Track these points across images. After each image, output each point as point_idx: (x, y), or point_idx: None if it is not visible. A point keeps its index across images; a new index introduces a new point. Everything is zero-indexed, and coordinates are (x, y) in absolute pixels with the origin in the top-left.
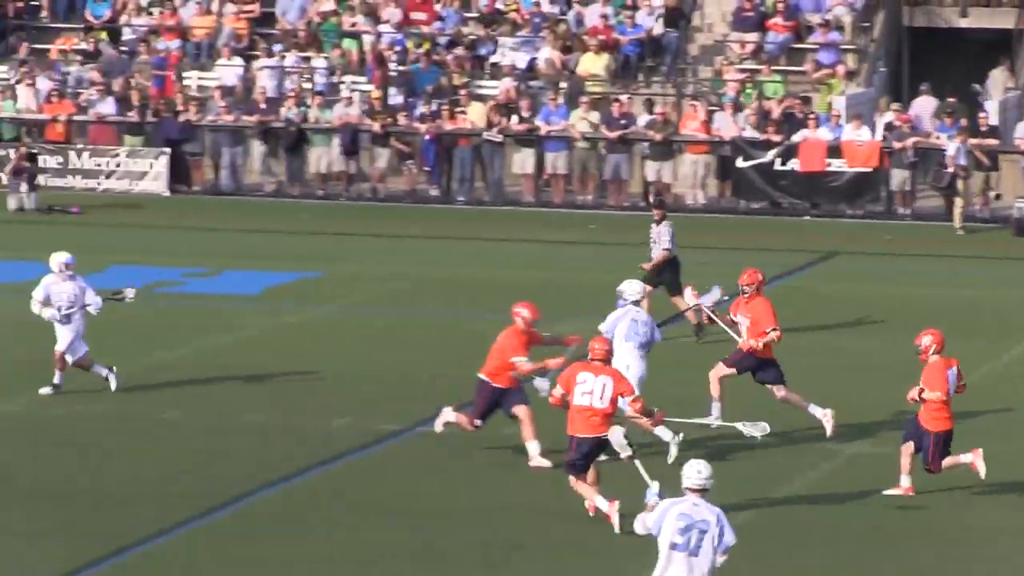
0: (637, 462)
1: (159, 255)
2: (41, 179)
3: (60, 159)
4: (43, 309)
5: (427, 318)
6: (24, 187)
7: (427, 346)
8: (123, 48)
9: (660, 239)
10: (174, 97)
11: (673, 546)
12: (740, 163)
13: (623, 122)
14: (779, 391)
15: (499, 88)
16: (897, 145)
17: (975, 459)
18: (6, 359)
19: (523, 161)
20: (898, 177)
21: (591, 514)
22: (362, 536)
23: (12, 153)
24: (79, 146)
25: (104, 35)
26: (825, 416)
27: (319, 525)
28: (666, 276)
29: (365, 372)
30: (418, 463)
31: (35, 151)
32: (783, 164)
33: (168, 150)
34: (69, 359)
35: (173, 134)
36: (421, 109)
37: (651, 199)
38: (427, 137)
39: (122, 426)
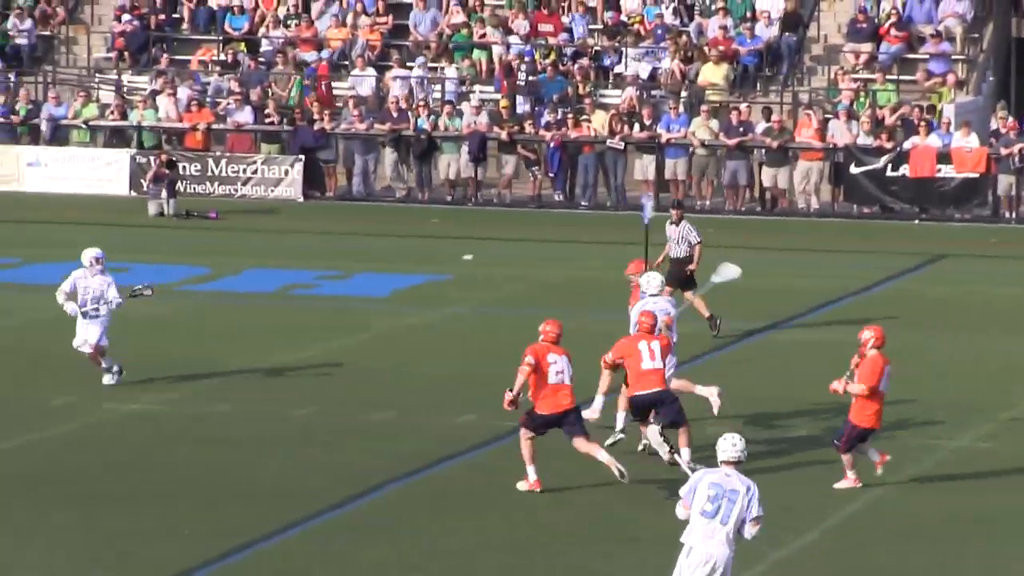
0: (677, 456)
1: (294, 258)
2: (180, 185)
3: (199, 166)
4: (66, 303)
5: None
6: (164, 193)
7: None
8: (260, 59)
9: (687, 236)
10: (310, 106)
11: (702, 512)
12: (854, 169)
13: (741, 130)
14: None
15: (622, 97)
16: (1003, 151)
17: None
18: (145, 358)
19: (644, 167)
20: (1004, 182)
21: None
22: (487, 529)
23: (153, 160)
24: (217, 154)
25: (242, 47)
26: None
27: (446, 520)
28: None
29: (490, 371)
30: (539, 457)
31: (175, 158)
32: (894, 170)
33: (303, 157)
34: (102, 344)
35: (308, 142)
36: (547, 117)
37: (672, 201)
38: (552, 144)
39: (253, 424)
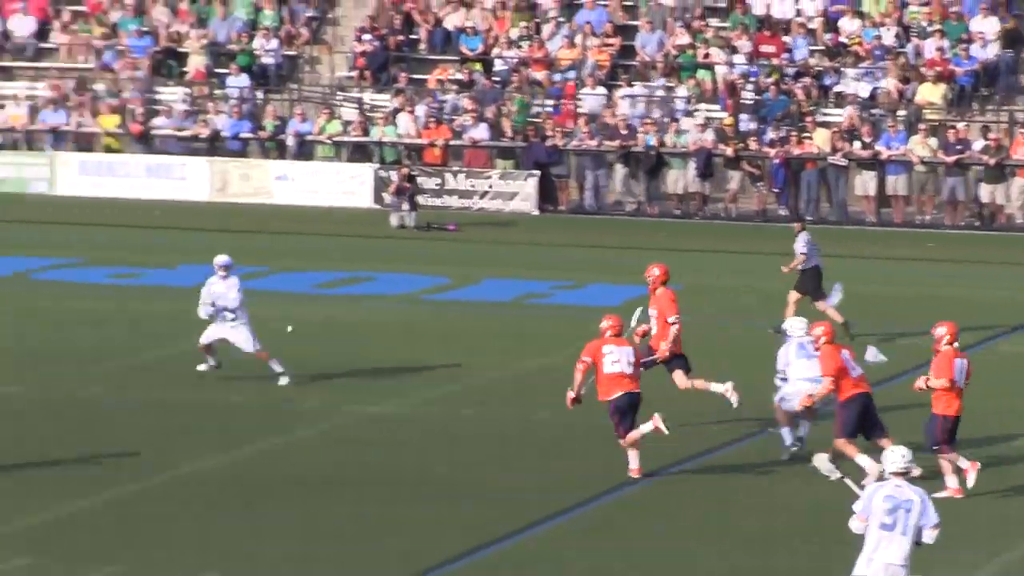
0: (847, 480)
1: (529, 269)
2: (420, 199)
3: (438, 180)
4: (202, 307)
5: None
6: (405, 206)
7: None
8: (495, 78)
9: (798, 247)
10: (543, 123)
11: (882, 526)
12: None
13: (959, 147)
14: (682, 380)
15: (843, 115)
16: None
17: (970, 468)
18: (389, 363)
19: (865, 183)
20: None
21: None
22: (714, 530)
23: (394, 175)
24: (455, 168)
25: (477, 66)
26: (727, 390)
27: (677, 521)
28: (809, 283)
29: (717, 377)
30: (767, 462)
31: (415, 173)
32: None
33: (537, 172)
34: (254, 349)
35: (541, 158)
36: (770, 135)
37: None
38: (776, 161)
39: (496, 426)
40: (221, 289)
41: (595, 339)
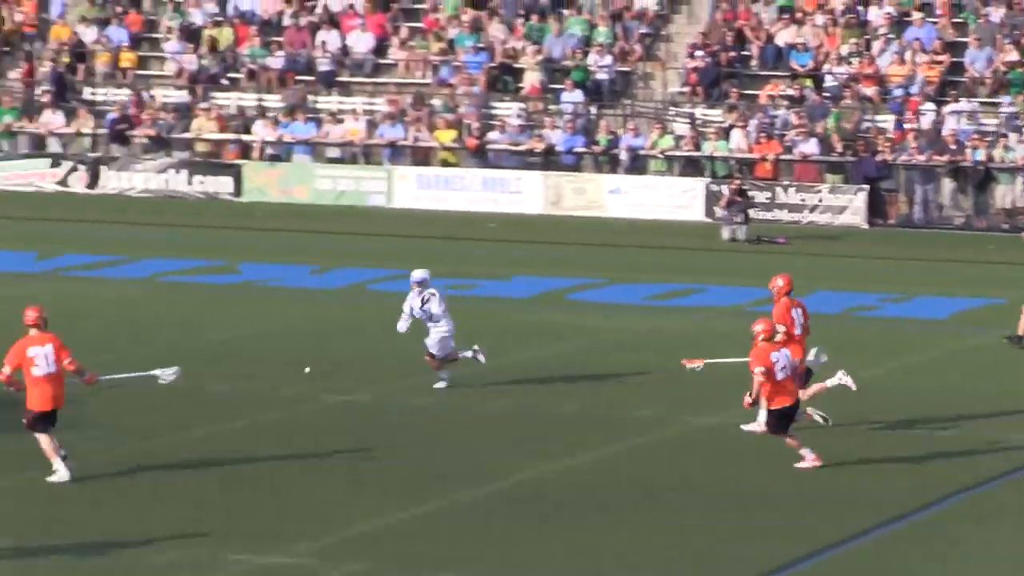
0: None
1: (857, 282)
2: (751, 212)
3: (768, 194)
4: (401, 321)
5: None
6: (737, 219)
7: None
8: (825, 94)
9: None
10: (874, 138)
11: None
12: None
13: None
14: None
15: None
16: None
17: None
18: (716, 374)
19: None
20: None
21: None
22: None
23: (725, 189)
24: (785, 183)
25: (808, 82)
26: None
27: (993, 530)
28: None
29: None
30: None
31: (746, 187)
32: None
33: (866, 186)
34: (437, 356)
35: (871, 172)
36: None
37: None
38: None
39: (827, 436)
40: (418, 303)
41: (758, 345)
